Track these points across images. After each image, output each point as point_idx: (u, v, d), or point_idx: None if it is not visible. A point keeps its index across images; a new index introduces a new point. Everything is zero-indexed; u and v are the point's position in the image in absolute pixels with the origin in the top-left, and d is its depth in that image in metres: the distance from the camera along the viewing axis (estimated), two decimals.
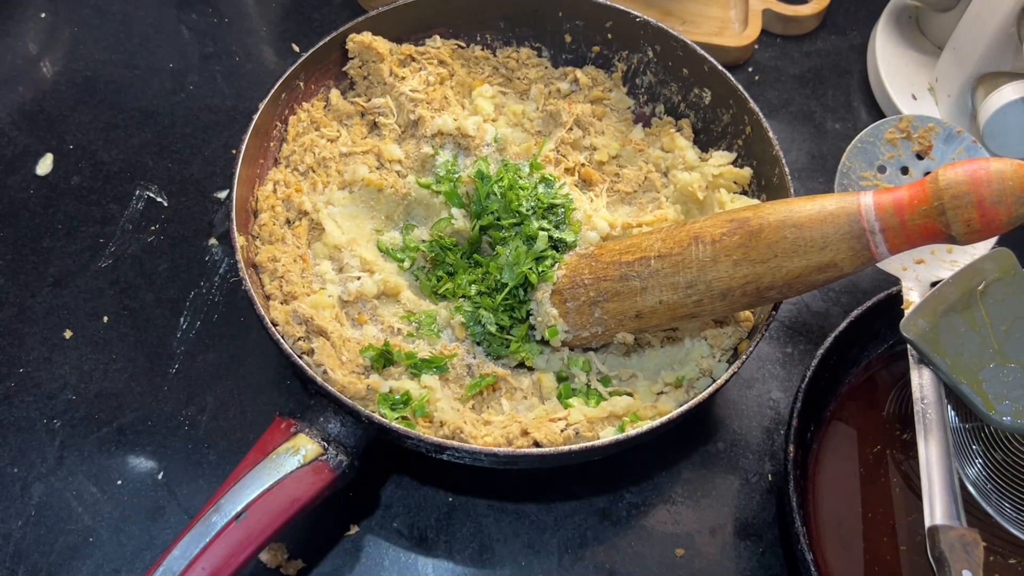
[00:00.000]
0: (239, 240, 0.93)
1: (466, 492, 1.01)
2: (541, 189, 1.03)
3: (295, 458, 0.83)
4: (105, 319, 1.10)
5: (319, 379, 0.86)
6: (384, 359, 0.94)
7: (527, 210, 1.00)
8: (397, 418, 0.89)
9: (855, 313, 1.01)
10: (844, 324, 1.00)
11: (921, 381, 0.91)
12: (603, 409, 0.93)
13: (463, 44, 1.19)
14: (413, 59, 1.14)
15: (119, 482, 0.99)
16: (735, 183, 1.09)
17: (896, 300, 1.00)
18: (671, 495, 1.03)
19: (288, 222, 1.02)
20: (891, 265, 1.02)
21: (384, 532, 0.98)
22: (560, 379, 1.00)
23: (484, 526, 1.00)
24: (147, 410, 1.04)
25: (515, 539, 0.99)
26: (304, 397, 1.05)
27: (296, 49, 1.38)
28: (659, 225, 1.03)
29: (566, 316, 0.96)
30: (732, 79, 1.08)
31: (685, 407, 0.88)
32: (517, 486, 1.02)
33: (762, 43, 1.45)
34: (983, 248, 1.03)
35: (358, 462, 0.87)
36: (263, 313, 0.90)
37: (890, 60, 1.39)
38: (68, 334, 1.08)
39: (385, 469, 1.02)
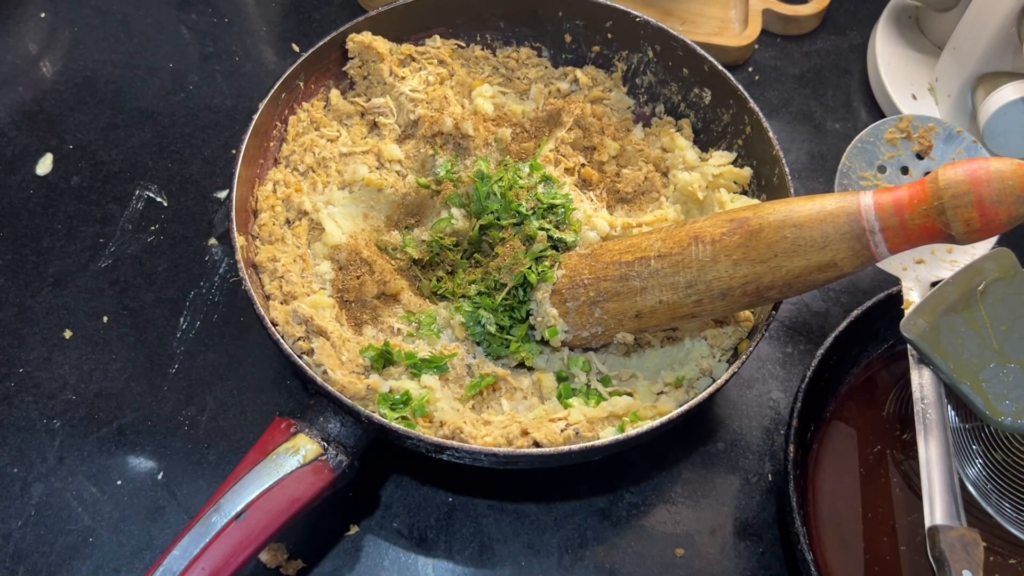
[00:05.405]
0: (239, 240, 0.93)
1: (466, 492, 1.01)
2: (541, 189, 1.03)
3: (295, 458, 0.83)
4: (105, 319, 1.10)
5: (319, 379, 0.86)
6: (384, 359, 0.94)
7: (527, 210, 1.00)
8: (397, 418, 0.89)
9: (855, 313, 1.01)
10: (844, 324, 1.00)
11: (921, 381, 0.91)
12: (603, 409, 0.93)
13: (463, 44, 1.19)
14: (413, 59, 1.14)
15: (119, 482, 0.99)
16: (735, 183, 1.09)
17: (896, 300, 1.00)
18: (671, 495, 1.03)
19: (288, 222, 1.02)
20: (891, 265, 1.02)
21: (384, 532, 0.98)
22: (560, 379, 0.99)
23: (484, 526, 1.00)
24: (147, 410, 1.04)
25: (515, 539, 0.99)
26: (304, 397, 1.05)
27: (296, 49, 1.38)
28: (659, 225, 1.03)
29: (566, 316, 0.96)
30: (732, 79, 1.08)
31: (685, 407, 0.88)
32: (517, 486, 1.02)
33: (762, 43, 1.45)
34: (983, 248, 1.03)
35: (358, 462, 0.87)
36: (263, 313, 0.90)
37: (890, 60, 1.39)
38: (68, 334, 1.08)
39: (385, 469, 1.02)
